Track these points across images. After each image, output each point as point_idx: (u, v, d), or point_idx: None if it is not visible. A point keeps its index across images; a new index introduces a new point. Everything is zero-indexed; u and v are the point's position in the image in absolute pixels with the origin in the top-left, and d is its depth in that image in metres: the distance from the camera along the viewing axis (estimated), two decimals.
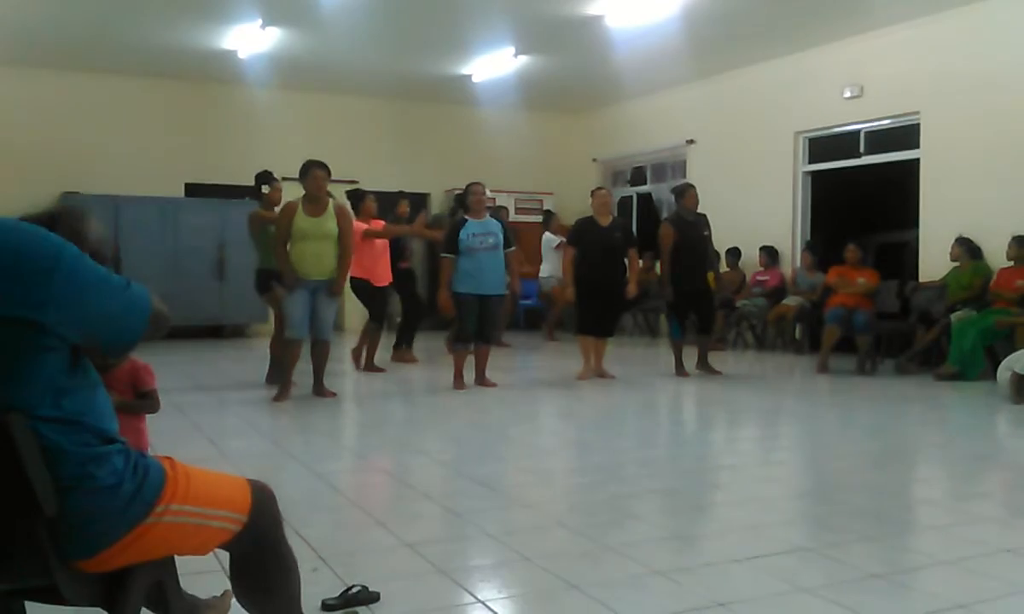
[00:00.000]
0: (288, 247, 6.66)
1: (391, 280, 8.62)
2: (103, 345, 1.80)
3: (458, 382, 7.43)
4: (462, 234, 7.34)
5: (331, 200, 6.84)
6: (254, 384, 7.33)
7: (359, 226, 7.97)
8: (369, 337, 8.56)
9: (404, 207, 9.18)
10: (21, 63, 11.55)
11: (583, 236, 8.02)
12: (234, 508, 1.92)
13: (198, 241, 11.87)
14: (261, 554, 2.01)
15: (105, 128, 12.06)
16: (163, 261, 11.70)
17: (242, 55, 10.95)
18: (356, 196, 8.55)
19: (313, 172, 6.66)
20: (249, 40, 10.39)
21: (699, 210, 8.43)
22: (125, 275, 1.82)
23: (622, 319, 11.40)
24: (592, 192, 8.33)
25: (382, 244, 8.51)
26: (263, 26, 9.88)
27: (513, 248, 7.60)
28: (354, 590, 2.67)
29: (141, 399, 2.74)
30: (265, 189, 7.66)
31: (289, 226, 6.62)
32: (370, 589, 2.69)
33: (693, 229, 8.28)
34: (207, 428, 5.68)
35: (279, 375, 7.05)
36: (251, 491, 1.98)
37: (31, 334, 1.61)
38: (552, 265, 11.34)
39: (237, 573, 2.04)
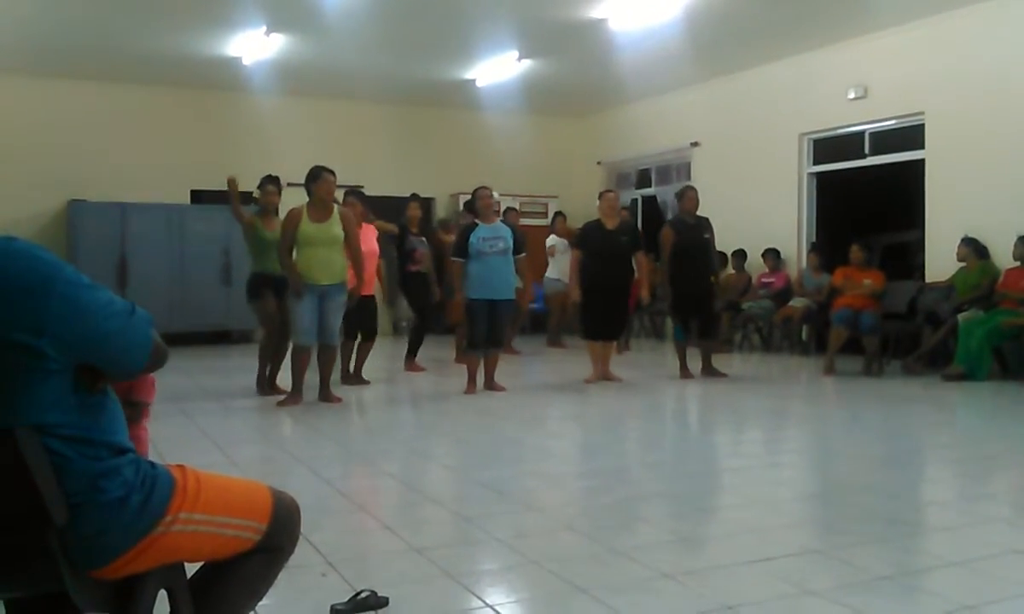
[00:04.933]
0: (293, 253, 6.65)
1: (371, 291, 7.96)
2: (103, 370, 1.72)
3: (470, 387, 7.43)
4: (472, 238, 7.34)
5: (335, 205, 6.84)
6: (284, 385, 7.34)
7: None
8: (344, 349, 7.85)
9: (415, 209, 8.91)
10: (28, 72, 11.60)
11: (589, 240, 7.98)
12: (252, 517, 1.89)
13: (204, 247, 11.92)
14: (257, 568, 1.94)
15: (111, 136, 12.11)
16: (170, 267, 11.77)
17: (247, 62, 10.98)
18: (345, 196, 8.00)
19: (324, 177, 6.64)
20: (254, 47, 10.42)
21: (701, 212, 8.41)
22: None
23: (630, 322, 11.40)
24: (600, 194, 8.29)
25: (368, 250, 7.85)
26: (267, 33, 9.91)
27: (524, 254, 7.59)
28: (363, 595, 2.67)
29: (130, 407, 2.69)
30: (256, 194, 7.46)
31: (295, 232, 6.60)
32: (379, 594, 2.69)
33: (693, 231, 8.26)
34: (215, 434, 5.69)
35: (266, 383, 7.31)
36: (272, 501, 1.95)
37: (29, 358, 1.57)
38: (557, 268, 11.24)
39: (220, 576, 1.94)
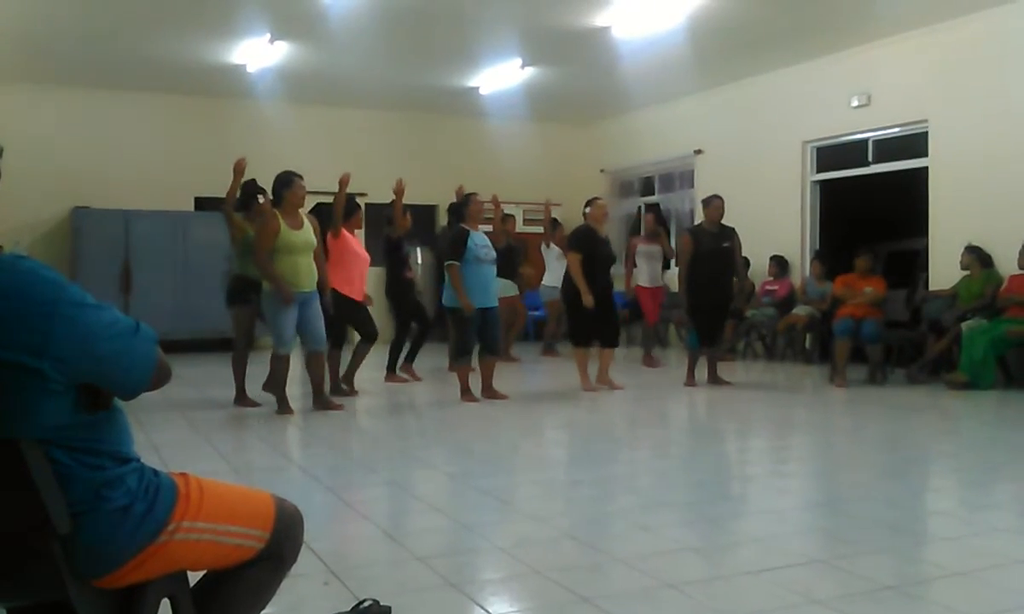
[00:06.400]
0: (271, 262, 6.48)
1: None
2: (105, 389, 1.70)
3: (466, 395, 7.41)
4: (470, 244, 7.33)
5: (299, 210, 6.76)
6: (263, 397, 7.34)
7: (349, 238, 7.75)
8: (360, 355, 7.90)
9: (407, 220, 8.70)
10: (32, 80, 11.64)
11: (586, 245, 7.91)
12: (255, 526, 1.89)
13: (208, 254, 11.89)
14: (259, 576, 1.94)
15: (115, 143, 12.14)
16: (173, 274, 11.80)
17: (251, 69, 11.01)
18: (350, 207, 7.91)
19: (297, 182, 6.58)
20: (258, 54, 10.45)
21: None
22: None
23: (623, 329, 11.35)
24: (592, 201, 8.22)
25: (360, 256, 7.90)
26: (271, 40, 9.93)
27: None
28: (366, 604, 2.66)
29: None
30: (261, 199, 7.38)
31: (275, 241, 6.45)
32: (382, 603, 2.68)
33: (713, 240, 8.26)
34: (217, 442, 5.69)
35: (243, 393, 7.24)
36: (275, 509, 1.95)
37: (30, 379, 1.55)
38: (553, 276, 11.10)
39: (222, 585, 1.93)
